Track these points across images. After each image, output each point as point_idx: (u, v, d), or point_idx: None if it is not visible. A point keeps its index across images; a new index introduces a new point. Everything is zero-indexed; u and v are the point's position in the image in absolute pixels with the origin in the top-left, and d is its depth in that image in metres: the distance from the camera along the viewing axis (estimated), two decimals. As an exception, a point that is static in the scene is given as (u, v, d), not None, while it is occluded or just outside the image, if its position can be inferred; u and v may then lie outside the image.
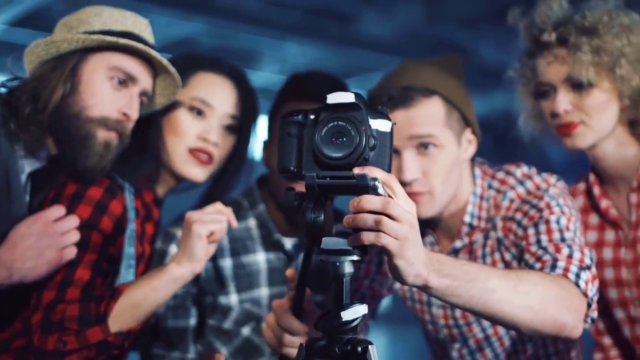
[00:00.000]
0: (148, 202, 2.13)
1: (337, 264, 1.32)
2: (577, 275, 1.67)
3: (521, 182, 2.01)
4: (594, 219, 2.22)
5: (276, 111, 2.22)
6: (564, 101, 2.05)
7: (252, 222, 2.25)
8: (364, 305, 1.35)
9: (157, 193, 2.19)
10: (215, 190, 2.27)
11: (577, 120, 2.05)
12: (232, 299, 2.17)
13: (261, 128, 2.35)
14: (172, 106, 2.13)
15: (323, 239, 1.32)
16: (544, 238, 1.83)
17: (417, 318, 2.24)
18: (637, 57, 2.04)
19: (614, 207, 2.18)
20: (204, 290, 2.17)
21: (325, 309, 1.41)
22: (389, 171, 1.32)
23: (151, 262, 2.13)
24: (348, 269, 1.33)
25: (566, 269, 1.68)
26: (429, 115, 1.92)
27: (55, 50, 1.90)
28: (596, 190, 2.20)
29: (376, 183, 1.27)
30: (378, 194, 1.29)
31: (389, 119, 1.32)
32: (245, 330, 2.18)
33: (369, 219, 1.27)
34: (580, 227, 1.94)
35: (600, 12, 2.07)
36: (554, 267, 1.70)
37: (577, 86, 2.03)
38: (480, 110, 2.13)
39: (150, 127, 2.11)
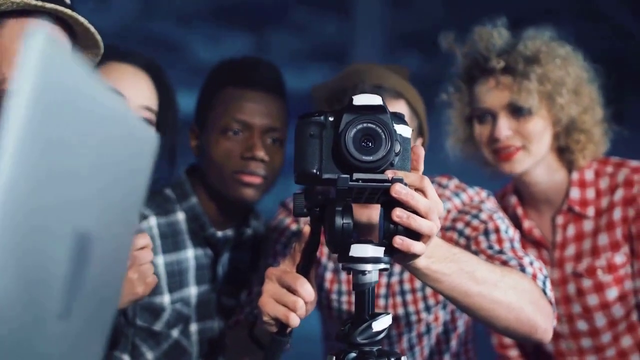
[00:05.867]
0: None
1: (366, 272, 1.30)
2: (544, 283, 1.70)
3: (456, 194, 2.02)
4: None
5: (212, 97, 2.12)
6: (505, 127, 2.11)
7: (180, 216, 2.11)
8: (389, 315, 1.32)
9: None
10: None
11: (518, 145, 2.12)
12: (165, 299, 2.04)
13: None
14: None
15: (352, 245, 1.28)
16: (496, 247, 1.84)
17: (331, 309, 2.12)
18: (575, 87, 2.16)
19: (536, 228, 2.28)
20: None
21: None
22: None
23: None
24: (375, 277, 1.31)
25: (534, 275, 1.69)
26: None
27: None
28: (519, 211, 2.28)
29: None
30: None
31: (408, 125, 1.33)
32: (175, 333, 2.06)
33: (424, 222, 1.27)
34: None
35: (539, 42, 2.17)
36: (522, 271, 1.70)
37: (517, 112, 2.12)
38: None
39: None
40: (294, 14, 5.33)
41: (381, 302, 2.06)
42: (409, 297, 2.05)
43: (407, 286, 2.05)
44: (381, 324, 1.30)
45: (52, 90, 0.71)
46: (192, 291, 2.11)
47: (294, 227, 2.12)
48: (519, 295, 1.57)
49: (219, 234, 2.14)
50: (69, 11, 1.60)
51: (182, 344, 2.09)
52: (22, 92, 0.66)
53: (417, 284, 2.04)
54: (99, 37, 1.69)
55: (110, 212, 0.87)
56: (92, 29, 1.66)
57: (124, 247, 0.99)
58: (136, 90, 1.93)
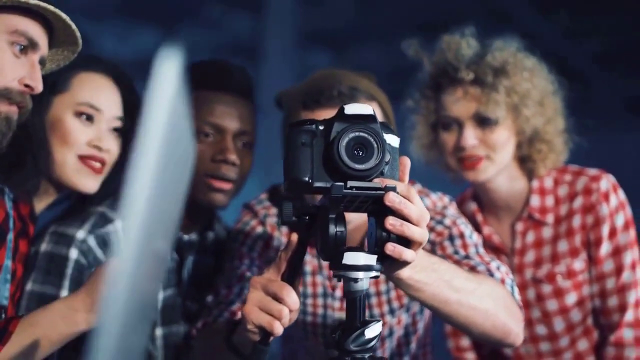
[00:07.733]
0: (24, 215, 1.81)
1: (357, 280, 1.30)
2: (512, 287, 1.74)
3: (420, 199, 2.05)
4: None
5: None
6: (471, 136, 2.14)
7: None
8: (380, 322, 1.33)
9: (33, 207, 1.88)
10: (94, 196, 1.94)
11: (482, 155, 2.15)
12: None
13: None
14: (55, 112, 1.86)
15: (345, 253, 1.29)
16: (462, 252, 1.88)
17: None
18: (539, 99, 2.20)
19: (496, 234, 2.32)
20: None
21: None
22: None
23: (37, 266, 1.82)
24: (366, 284, 1.32)
25: (502, 280, 1.74)
26: None
27: None
28: (479, 217, 2.32)
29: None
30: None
31: (396, 135, 1.35)
32: None
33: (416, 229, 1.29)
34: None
35: (506, 53, 2.19)
36: (491, 276, 1.74)
37: (483, 122, 2.14)
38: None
39: (26, 135, 1.76)
40: (206, 9, 5.28)
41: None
42: (373, 300, 2.06)
43: (371, 289, 2.06)
44: (373, 331, 1.31)
45: (175, 117, 0.73)
46: (159, 295, 2.08)
47: (259, 229, 2.10)
48: (494, 302, 1.61)
49: (185, 237, 2.13)
50: (51, 7, 1.60)
51: (147, 349, 2.05)
52: (157, 120, 0.68)
53: (382, 287, 2.06)
54: (78, 34, 1.69)
55: (168, 230, 0.88)
56: (73, 25, 1.66)
57: (165, 262, 0.99)
58: (110, 102, 1.91)
